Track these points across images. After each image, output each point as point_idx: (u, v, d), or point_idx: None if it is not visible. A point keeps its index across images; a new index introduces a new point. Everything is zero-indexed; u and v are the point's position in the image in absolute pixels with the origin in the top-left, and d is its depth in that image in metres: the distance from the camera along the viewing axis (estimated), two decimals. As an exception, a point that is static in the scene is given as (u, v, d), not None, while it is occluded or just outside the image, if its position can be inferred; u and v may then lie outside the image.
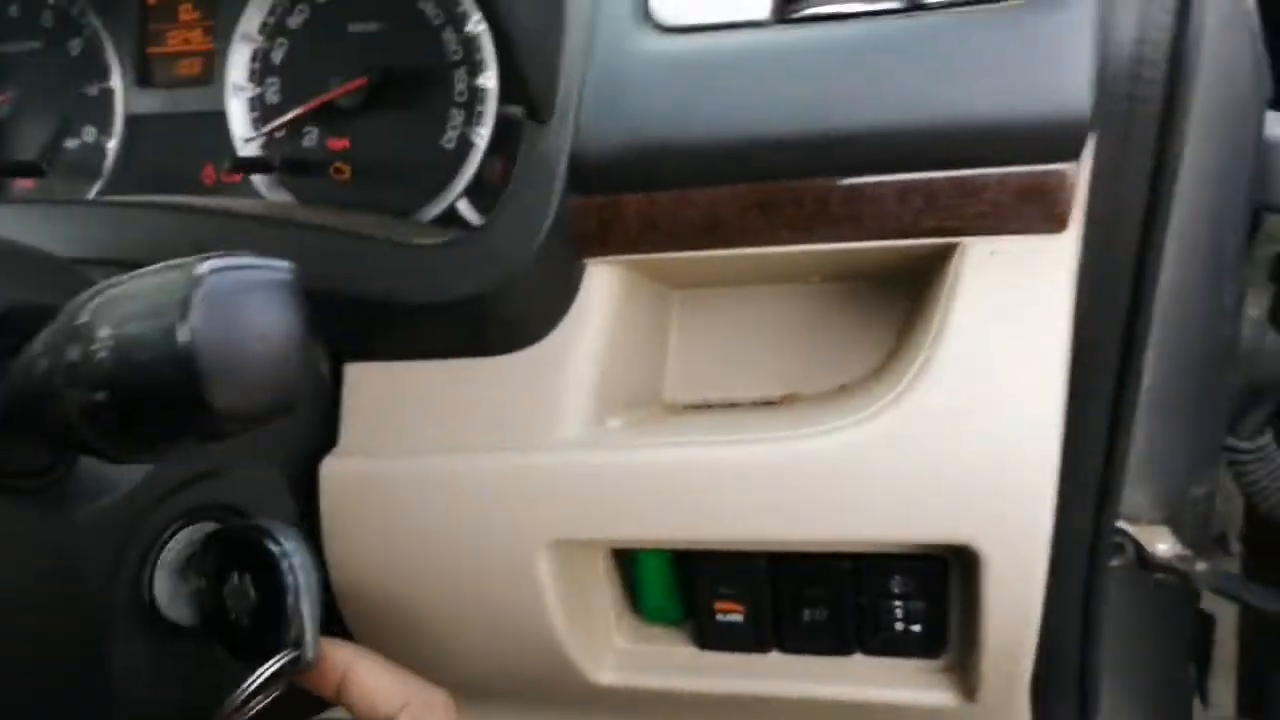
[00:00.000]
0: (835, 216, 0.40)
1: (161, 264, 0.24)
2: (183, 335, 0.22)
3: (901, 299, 0.45)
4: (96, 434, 0.24)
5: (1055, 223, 0.39)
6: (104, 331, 0.23)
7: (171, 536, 0.39)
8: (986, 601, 0.39)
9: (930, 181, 0.39)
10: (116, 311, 0.23)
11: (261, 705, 0.36)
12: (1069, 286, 0.39)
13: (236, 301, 0.22)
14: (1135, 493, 0.46)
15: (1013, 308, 0.39)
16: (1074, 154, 0.38)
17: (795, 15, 0.40)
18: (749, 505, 0.41)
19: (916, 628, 0.44)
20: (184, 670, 0.39)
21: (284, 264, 0.25)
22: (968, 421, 0.38)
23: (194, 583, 0.38)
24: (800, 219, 0.40)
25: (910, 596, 0.43)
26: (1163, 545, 0.45)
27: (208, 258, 0.23)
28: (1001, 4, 0.38)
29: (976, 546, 0.38)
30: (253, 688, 0.35)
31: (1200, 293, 0.42)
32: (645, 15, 0.42)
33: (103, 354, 0.23)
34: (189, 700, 0.39)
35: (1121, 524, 0.46)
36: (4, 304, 0.32)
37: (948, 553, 0.41)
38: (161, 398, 0.22)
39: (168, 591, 0.38)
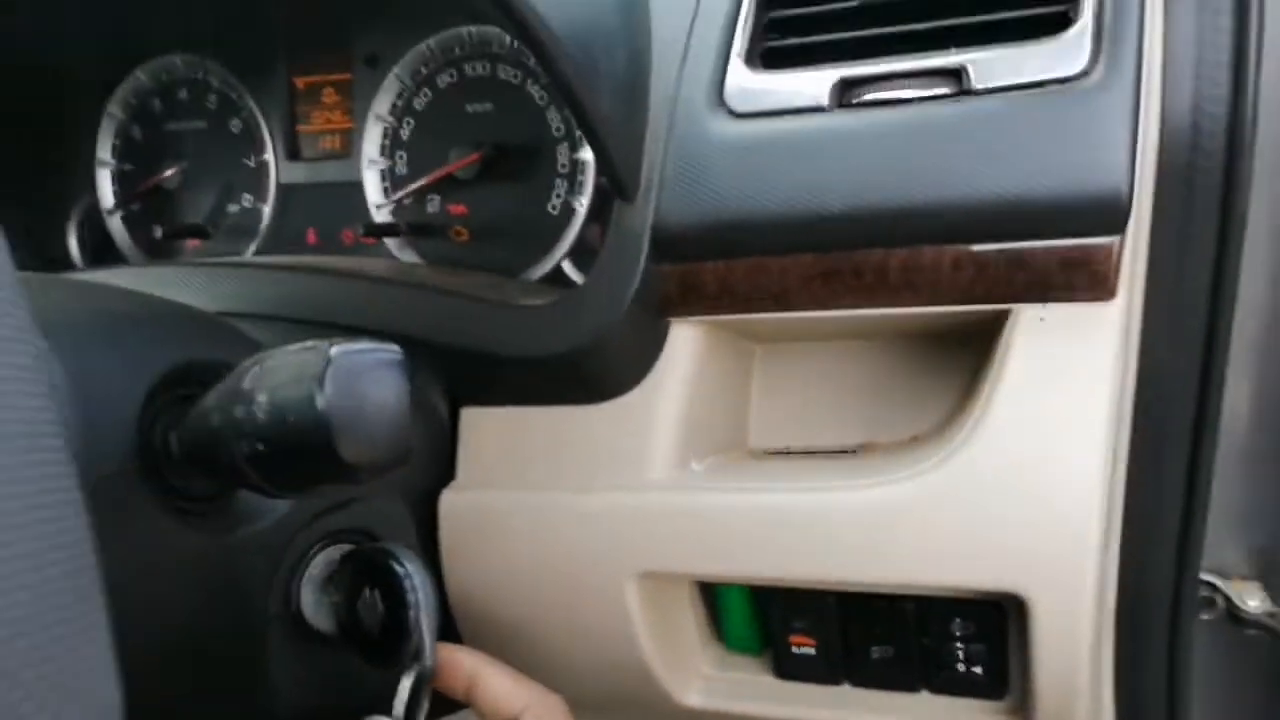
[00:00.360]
0: (893, 285, 0.44)
1: (299, 345, 0.30)
2: (320, 402, 0.28)
3: (969, 353, 0.48)
4: (258, 476, 0.31)
5: (1103, 291, 0.41)
6: (262, 397, 0.29)
7: (314, 555, 0.45)
8: (1036, 648, 0.42)
9: (981, 253, 0.42)
10: (270, 380, 0.29)
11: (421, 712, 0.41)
12: (1117, 351, 0.41)
13: (359, 377, 0.28)
14: (1225, 547, 0.48)
15: (1062, 370, 0.41)
16: (1118, 228, 0.40)
17: (854, 102, 0.44)
18: (818, 548, 0.45)
19: (978, 669, 0.46)
20: (324, 670, 0.45)
21: (393, 347, 0.31)
22: (1016, 477, 0.41)
23: (332, 596, 0.45)
24: (861, 287, 0.44)
25: (971, 639, 0.46)
26: (1254, 601, 0.47)
27: (336, 342, 0.29)
28: (1044, 89, 0.41)
29: (1025, 595, 0.41)
30: (406, 697, 0.41)
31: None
32: (719, 102, 0.46)
33: (261, 415, 0.29)
34: (328, 696, 0.45)
35: (1211, 578, 0.48)
36: (184, 359, 0.39)
37: (1004, 599, 0.44)
38: (304, 450, 0.28)
39: (311, 603, 0.44)
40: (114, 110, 0.71)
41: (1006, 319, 0.43)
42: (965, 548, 0.42)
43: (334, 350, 0.29)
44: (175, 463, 0.37)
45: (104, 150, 0.72)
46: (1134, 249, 0.42)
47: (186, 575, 0.39)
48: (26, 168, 0.72)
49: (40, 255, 0.72)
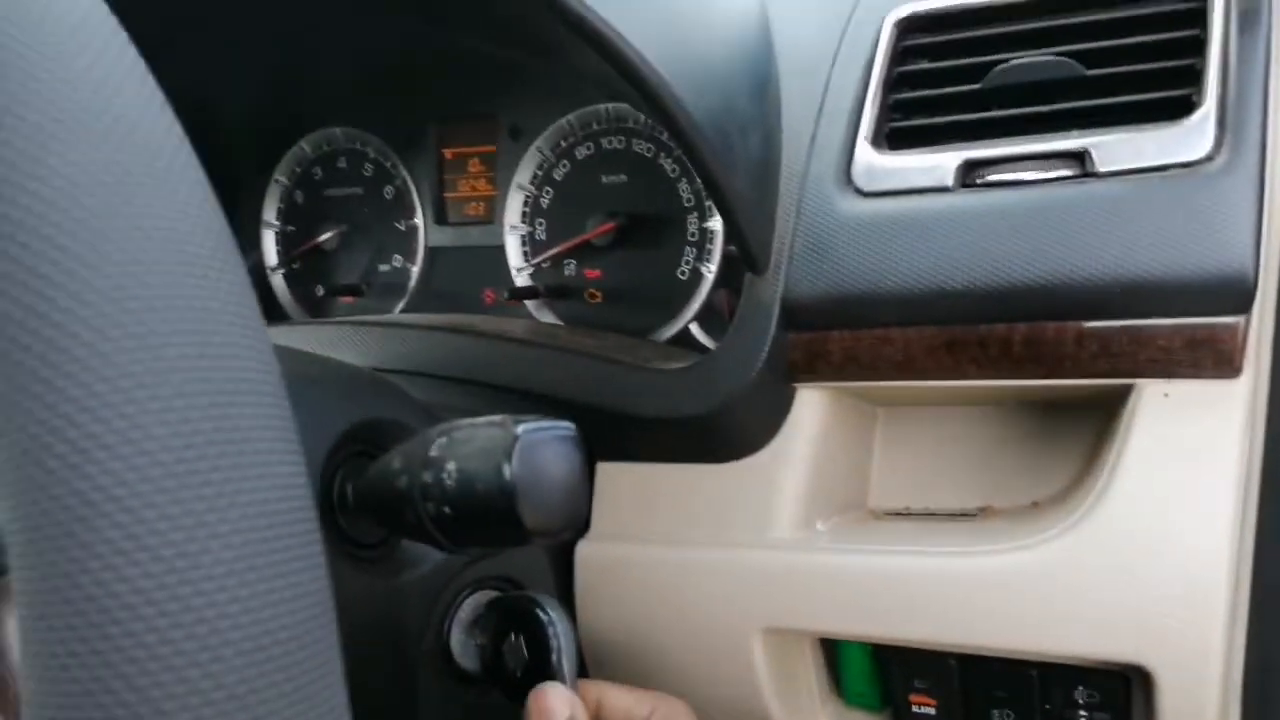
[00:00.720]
0: (1017, 357, 0.45)
1: (487, 419, 0.34)
2: (507, 474, 0.31)
3: (1091, 421, 0.49)
4: (442, 535, 0.34)
5: (1228, 369, 0.42)
6: (451, 465, 0.33)
7: (464, 600, 0.49)
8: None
9: (1106, 329, 0.43)
10: (459, 451, 0.33)
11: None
12: (1242, 427, 0.42)
13: (542, 453, 0.32)
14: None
15: (1186, 446, 0.42)
16: (1243, 308, 0.41)
17: (978, 182, 0.46)
18: (939, 611, 0.46)
19: (1101, 737, 0.47)
20: (469, 707, 0.49)
21: (570, 425, 0.34)
22: (1141, 549, 0.42)
23: (479, 638, 0.48)
24: (985, 359, 0.46)
25: (1095, 708, 0.46)
26: None
27: (520, 420, 0.33)
28: (1168, 173, 0.43)
29: (1150, 667, 0.42)
30: None
31: None
32: (848, 182, 0.49)
33: (449, 482, 0.33)
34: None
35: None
36: (360, 419, 0.44)
37: (1129, 670, 0.45)
38: (490, 516, 0.32)
39: (460, 644, 0.48)
40: (280, 177, 0.78)
41: (1130, 393, 0.44)
42: (1089, 617, 0.43)
43: (520, 428, 0.32)
44: (349, 512, 0.42)
45: (269, 213, 0.78)
46: (1259, 327, 0.42)
47: (353, 614, 0.43)
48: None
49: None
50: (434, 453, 0.34)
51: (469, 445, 0.33)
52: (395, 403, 0.46)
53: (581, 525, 0.34)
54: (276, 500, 0.21)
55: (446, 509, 0.33)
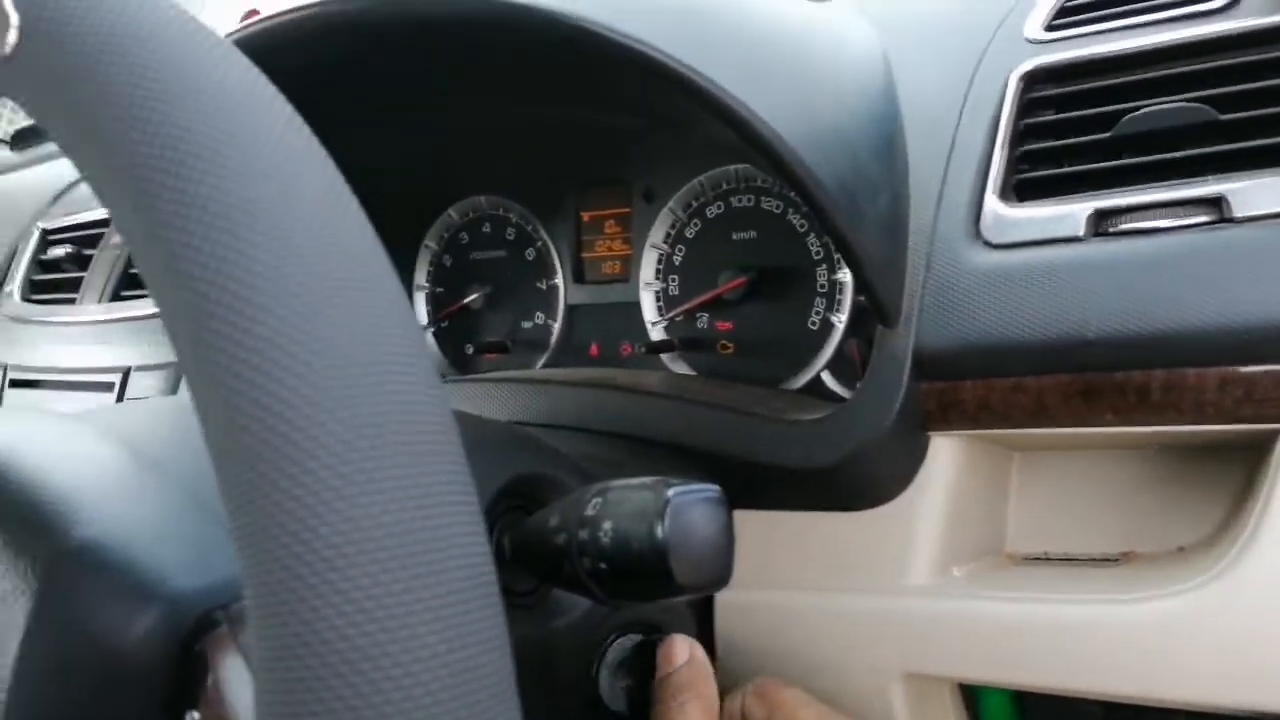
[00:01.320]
0: (1156, 404, 0.45)
1: (638, 481, 0.37)
2: (660, 533, 0.34)
3: (1238, 464, 0.49)
4: (596, 587, 0.37)
5: (1379, 412, 0.41)
6: (607, 524, 0.36)
7: (611, 644, 0.51)
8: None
9: (1249, 374, 0.43)
10: (615, 511, 0.36)
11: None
12: (1398, 473, 0.41)
13: (692, 513, 0.35)
14: None
15: (1338, 492, 0.42)
16: (1393, 352, 0.40)
17: (1110, 231, 0.47)
18: (1082, 659, 0.46)
19: (1255, 789, 0.46)
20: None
21: (715, 487, 0.36)
22: (1291, 598, 0.41)
23: (625, 680, 0.51)
24: (1123, 406, 0.46)
25: (1245, 756, 0.46)
26: None
27: (671, 483, 0.35)
28: (1310, 216, 0.42)
29: (1305, 716, 0.41)
30: None
31: None
32: (976, 234, 0.50)
33: (605, 540, 0.36)
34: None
35: None
36: (515, 475, 0.47)
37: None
38: (644, 573, 0.35)
39: (607, 686, 0.51)
40: (430, 242, 0.83)
41: (1277, 439, 0.44)
42: (1239, 666, 0.42)
43: (671, 491, 0.35)
44: (506, 562, 0.45)
45: (421, 276, 0.84)
46: None
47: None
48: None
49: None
50: (590, 512, 0.37)
51: (623, 506, 0.36)
52: (547, 459, 0.50)
53: (727, 579, 0.36)
54: (469, 568, 0.24)
55: (603, 565, 0.36)
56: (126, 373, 0.85)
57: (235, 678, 0.31)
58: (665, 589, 0.34)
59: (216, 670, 0.31)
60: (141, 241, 0.24)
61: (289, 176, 0.25)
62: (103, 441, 0.39)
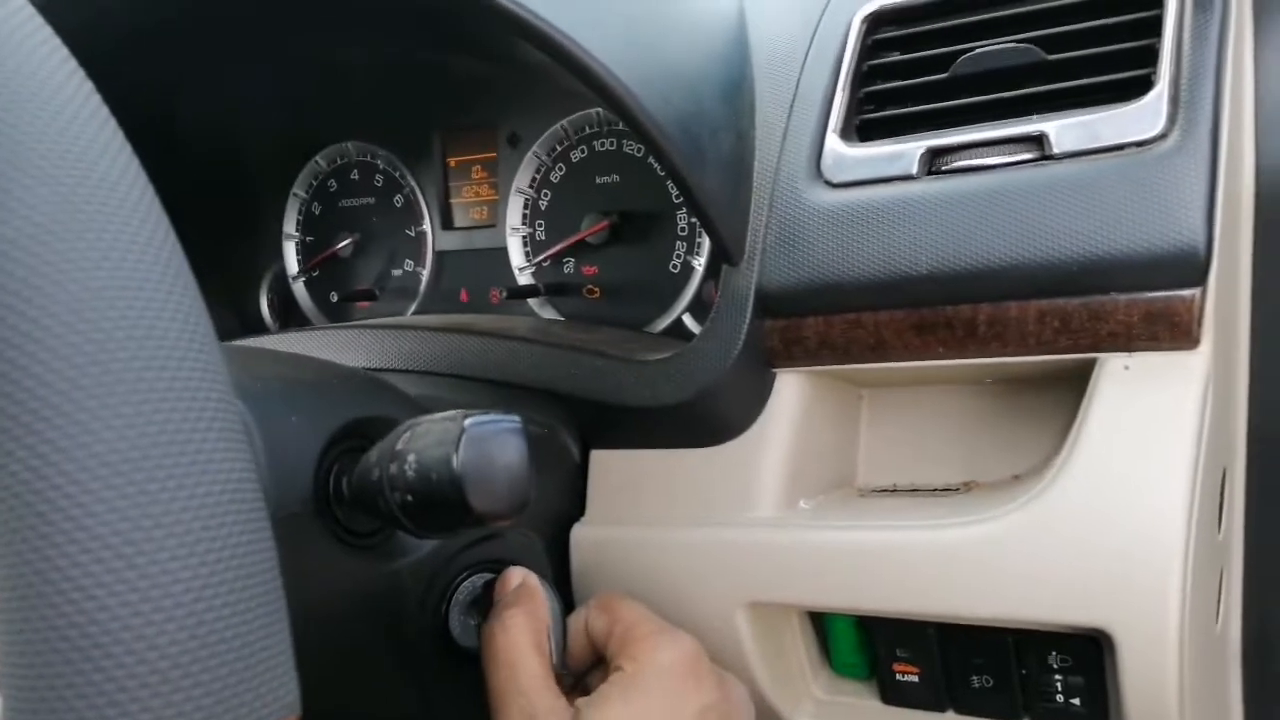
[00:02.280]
0: (982, 336, 0.47)
1: (445, 414, 0.37)
2: (455, 463, 0.34)
3: (1070, 395, 0.50)
4: (408, 522, 0.37)
5: (1186, 341, 0.43)
6: (410, 457, 0.36)
7: (461, 583, 0.51)
8: (1124, 683, 0.43)
9: (1065, 305, 0.45)
10: (418, 444, 0.36)
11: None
12: (1200, 396, 0.43)
13: (487, 442, 0.35)
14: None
15: (1147, 416, 0.43)
16: (1197, 282, 0.42)
17: (942, 169, 0.48)
18: (914, 582, 0.48)
19: (1076, 701, 0.48)
20: (469, 684, 0.52)
21: (515, 417, 0.37)
22: (1101, 518, 0.43)
23: (477, 619, 0.51)
24: (952, 339, 0.47)
25: (1069, 672, 0.48)
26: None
27: (469, 414, 0.35)
28: (1123, 152, 0.44)
29: (1110, 631, 0.43)
30: None
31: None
32: (818, 174, 0.51)
33: (410, 472, 0.36)
34: (473, 706, 0.51)
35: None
36: (354, 417, 0.47)
37: (1094, 634, 0.46)
38: (443, 502, 0.35)
39: (459, 624, 0.51)
40: (298, 191, 0.81)
41: (1093, 366, 0.45)
42: (1053, 584, 0.44)
43: (467, 421, 0.35)
44: (345, 504, 0.45)
45: (289, 225, 0.82)
46: (1215, 299, 0.43)
47: (354, 600, 0.46)
48: (225, 241, 0.83)
49: (237, 315, 0.84)
50: (399, 446, 0.37)
51: (426, 438, 0.36)
52: (386, 400, 0.49)
53: (523, 508, 0.36)
54: (219, 491, 0.23)
55: (409, 497, 0.36)
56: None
57: None
58: (465, 519, 0.35)
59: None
60: None
61: (30, 83, 0.24)
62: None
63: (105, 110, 0.26)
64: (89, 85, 0.26)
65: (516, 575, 0.48)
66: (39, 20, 0.26)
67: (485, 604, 0.50)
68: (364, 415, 0.47)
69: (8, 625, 0.22)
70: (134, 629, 0.21)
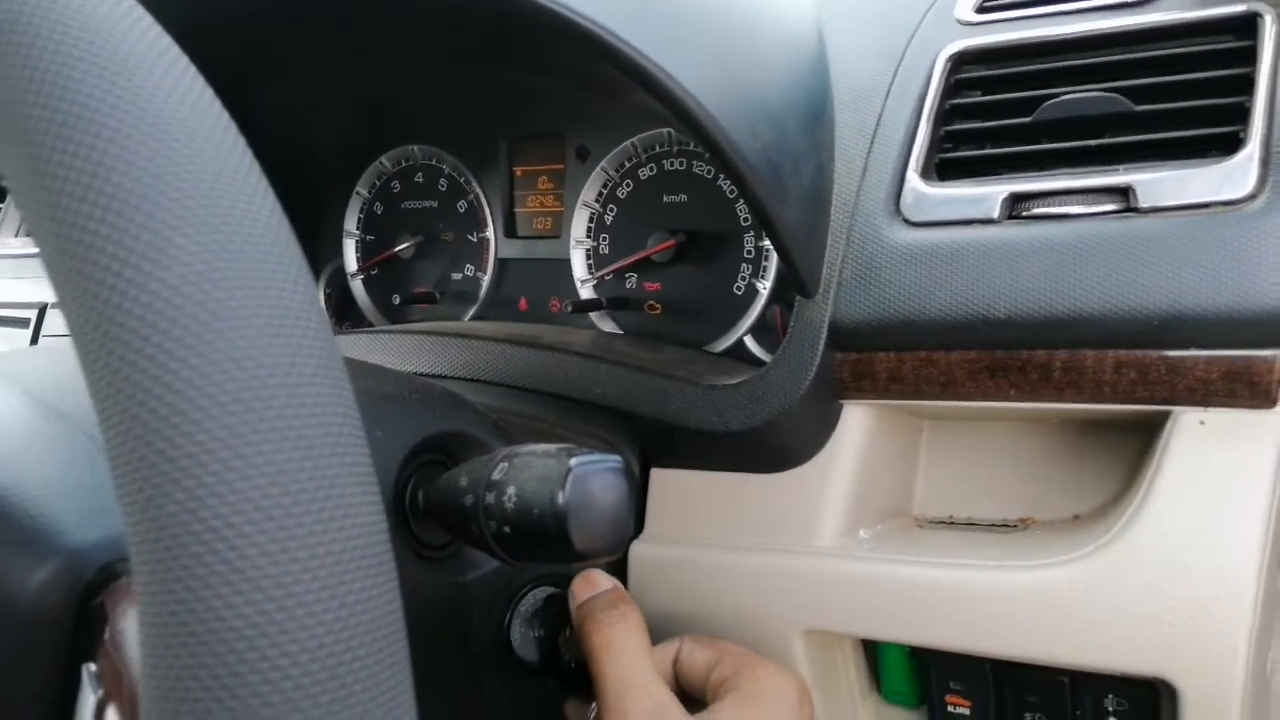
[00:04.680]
0: (1056, 383, 0.47)
1: (544, 448, 0.37)
2: (560, 501, 0.35)
3: (1133, 439, 0.51)
4: (500, 548, 0.38)
5: (1264, 400, 0.43)
6: (511, 489, 0.36)
7: (524, 596, 0.52)
8: (1185, 733, 0.44)
9: (1143, 357, 0.45)
10: (520, 476, 0.37)
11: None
12: (1276, 456, 0.43)
13: (591, 482, 0.35)
14: None
15: (1220, 473, 0.44)
16: (1279, 343, 0.43)
17: (1023, 215, 0.48)
18: (975, 620, 0.48)
19: (1130, 745, 0.49)
20: (527, 694, 0.53)
21: (617, 458, 0.37)
22: (1169, 570, 0.44)
23: (536, 631, 0.52)
24: (1025, 383, 0.48)
25: (1124, 715, 0.48)
26: None
27: (575, 453, 0.36)
28: (1210, 210, 0.44)
29: (1175, 682, 0.43)
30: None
31: None
32: (896, 211, 0.51)
33: (509, 504, 0.36)
34: (530, 716, 0.52)
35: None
36: (431, 432, 0.48)
37: (1156, 682, 0.46)
38: (544, 537, 0.35)
39: (519, 636, 0.52)
40: (360, 189, 0.82)
41: (1167, 418, 0.46)
42: (1118, 632, 0.45)
43: (573, 460, 0.36)
44: (419, 516, 0.46)
45: (350, 223, 0.83)
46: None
47: (424, 610, 0.47)
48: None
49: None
50: (496, 475, 0.37)
51: (528, 471, 0.36)
52: (465, 416, 0.50)
53: (623, 547, 0.37)
54: (358, 537, 0.24)
55: (506, 528, 0.36)
56: (43, 309, 0.83)
57: (134, 631, 0.31)
58: (564, 554, 0.35)
59: (115, 623, 0.32)
60: (30, 201, 0.24)
61: (187, 137, 0.25)
62: (2, 388, 0.38)
63: (249, 152, 0.27)
64: (234, 127, 0.27)
65: (605, 577, 0.48)
66: (186, 62, 0.27)
67: (547, 618, 0.51)
68: (441, 430, 0.48)
69: (155, 663, 0.22)
70: (281, 669, 0.22)
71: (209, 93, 0.27)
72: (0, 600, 0.31)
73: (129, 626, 0.32)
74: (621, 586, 0.48)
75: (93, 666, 0.31)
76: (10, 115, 0.24)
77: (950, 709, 0.53)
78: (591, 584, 0.48)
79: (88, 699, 0.31)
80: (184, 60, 0.27)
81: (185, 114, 0.25)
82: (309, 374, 0.24)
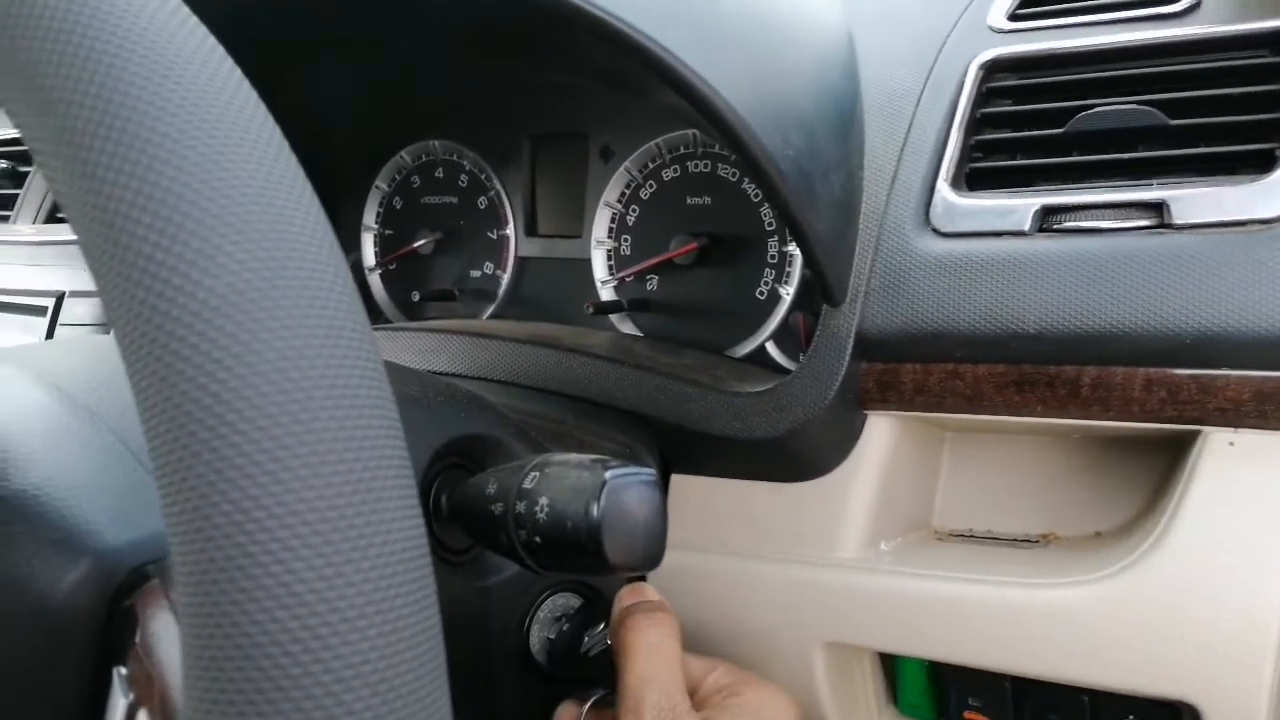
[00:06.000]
0: (1084, 399, 0.47)
1: (577, 459, 0.37)
2: (595, 514, 0.35)
3: (1158, 457, 0.50)
4: (530, 558, 0.38)
5: (1294, 421, 0.43)
6: (544, 500, 0.36)
7: (543, 602, 0.52)
8: (1207, 755, 0.44)
9: (1174, 376, 0.45)
10: (552, 487, 0.36)
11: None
12: (1306, 479, 0.43)
13: (627, 495, 0.35)
14: None
15: (1248, 494, 0.43)
16: (1312, 364, 0.42)
17: (1054, 228, 0.48)
18: (996, 637, 0.48)
19: (1149, 765, 0.49)
20: (545, 700, 0.52)
21: (650, 470, 0.37)
22: (1195, 593, 0.43)
23: (553, 635, 0.52)
24: (1053, 398, 0.47)
25: (1144, 736, 0.48)
26: None
27: (609, 465, 0.36)
28: (1245, 228, 0.44)
29: (1198, 705, 0.43)
30: None
31: None
32: (926, 221, 0.51)
33: (541, 515, 0.36)
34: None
35: None
36: (456, 435, 0.47)
37: (1179, 706, 0.46)
38: (576, 550, 0.35)
39: (538, 642, 0.52)
40: (380, 183, 0.82)
41: (1196, 438, 0.45)
42: (1142, 653, 0.44)
43: (608, 473, 0.35)
44: (442, 520, 0.46)
45: (369, 217, 0.83)
46: (1331, 383, 0.43)
47: (444, 613, 0.47)
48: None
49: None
50: (528, 485, 0.37)
51: (561, 483, 0.36)
52: (490, 420, 0.50)
53: (658, 561, 0.37)
54: (401, 552, 0.24)
55: (537, 539, 0.36)
56: (60, 298, 0.83)
57: (165, 634, 0.31)
58: (596, 567, 0.35)
59: (146, 626, 0.31)
60: (77, 205, 0.24)
61: (236, 142, 0.25)
62: (33, 385, 0.38)
63: (294, 157, 0.26)
64: (279, 131, 0.26)
65: (652, 593, 0.48)
66: (231, 64, 0.26)
67: (566, 623, 0.51)
68: (466, 434, 0.48)
69: (198, 675, 0.22)
70: (325, 685, 0.22)
71: (254, 96, 0.27)
72: (31, 601, 0.31)
73: (160, 629, 0.31)
74: (667, 602, 0.48)
75: (123, 670, 0.31)
76: (59, 117, 0.24)
77: (968, 724, 0.53)
78: (639, 593, 0.48)
79: (118, 703, 0.30)
80: (229, 62, 0.27)
81: (232, 119, 0.25)
82: (355, 385, 0.24)
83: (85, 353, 0.45)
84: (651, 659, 0.44)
